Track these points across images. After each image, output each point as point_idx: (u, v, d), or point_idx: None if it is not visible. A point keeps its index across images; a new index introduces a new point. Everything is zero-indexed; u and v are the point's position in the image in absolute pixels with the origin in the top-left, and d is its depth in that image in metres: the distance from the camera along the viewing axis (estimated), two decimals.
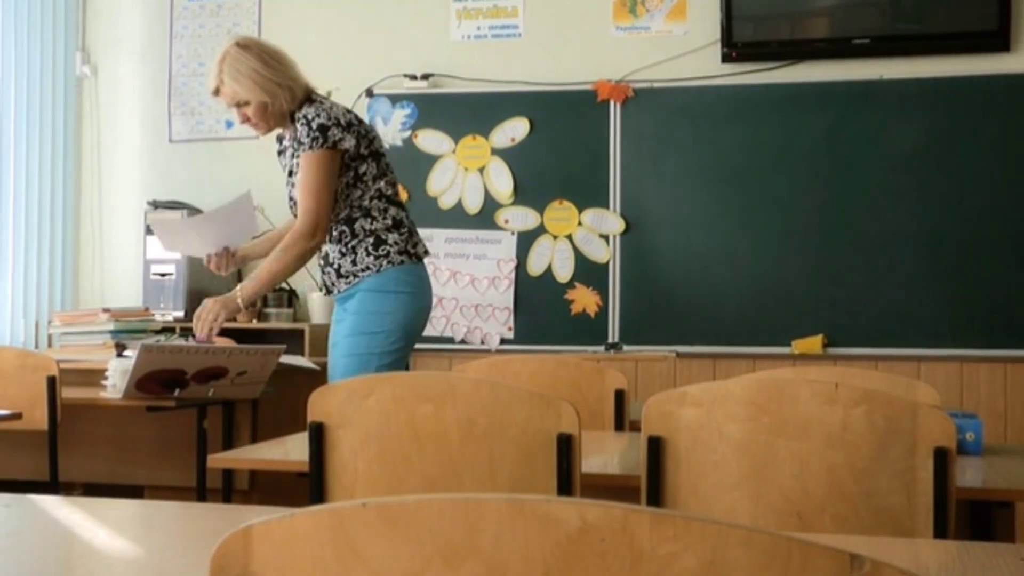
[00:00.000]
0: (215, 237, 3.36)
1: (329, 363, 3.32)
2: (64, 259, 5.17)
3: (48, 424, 3.19)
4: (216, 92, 3.18)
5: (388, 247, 3.20)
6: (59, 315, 4.27)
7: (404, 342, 3.21)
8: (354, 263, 3.20)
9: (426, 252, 3.33)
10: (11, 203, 4.86)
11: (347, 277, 3.22)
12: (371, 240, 3.19)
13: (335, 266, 3.24)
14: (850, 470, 1.66)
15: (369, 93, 4.89)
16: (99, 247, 5.30)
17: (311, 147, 3.10)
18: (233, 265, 3.42)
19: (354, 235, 3.20)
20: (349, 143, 3.13)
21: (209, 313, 3.15)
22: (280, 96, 3.13)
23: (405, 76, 4.90)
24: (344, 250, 3.21)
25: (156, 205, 4.91)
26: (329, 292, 3.33)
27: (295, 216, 3.23)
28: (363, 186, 3.19)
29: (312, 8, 5.11)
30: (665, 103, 4.66)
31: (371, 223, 3.20)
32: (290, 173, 3.27)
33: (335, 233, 3.22)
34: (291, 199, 3.28)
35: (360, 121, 3.21)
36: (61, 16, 5.13)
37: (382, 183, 3.23)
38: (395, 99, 4.88)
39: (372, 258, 3.19)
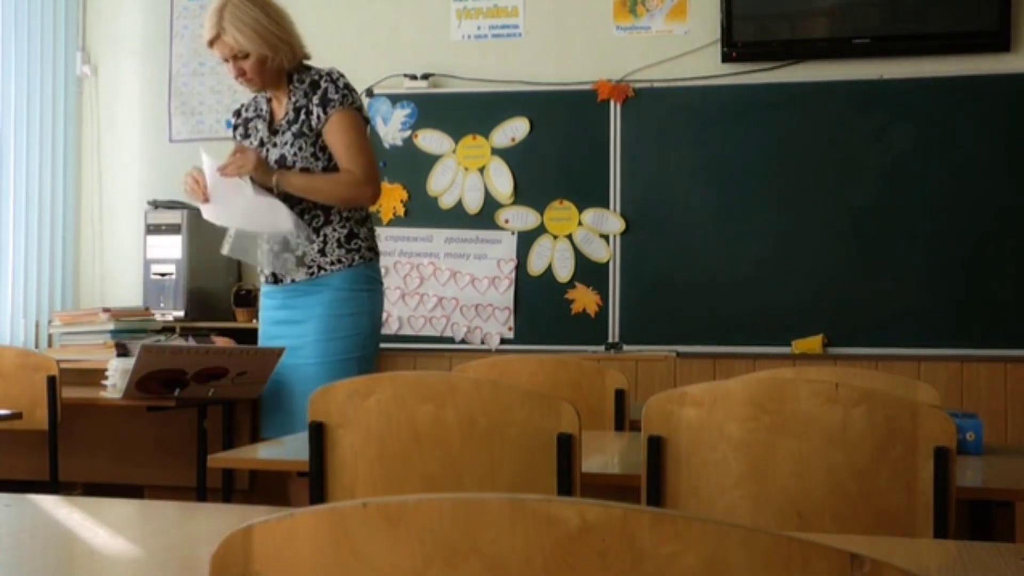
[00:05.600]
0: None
1: (282, 366, 3.06)
2: (64, 259, 5.17)
3: (48, 424, 3.19)
4: (211, 43, 2.98)
5: (359, 241, 3.06)
6: (59, 315, 4.27)
7: (375, 342, 3.10)
8: (323, 253, 3.02)
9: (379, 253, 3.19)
10: (11, 203, 4.86)
11: (309, 267, 3.02)
12: (344, 231, 3.04)
13: (297, 252, 3.03)
14: (850, 470, 1.66)
15: (369, 93, 4.89)
16: (99, 247, 5.30)
17: (342, 103, 2.99)
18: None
19: (328, 220, 3.03)
20: (366, 113, 3.09)
21: (245, 159, 2.95)
22: (281, 51, 2.99)
23: (405, 76, 4.90)
24: (312, 236, 3.03)
25: (156, 205, 4.91)
26: (277, 281, 3.07)
27: None
28: None
29: (312, 8, 5.10)
30: (665, 103, 4.66)
31: (347, 211, 3.05)
32: (274, 132, 3.08)
33: (307, 216, 3.03)
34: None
35: None
36: (61, 16, 5.13)
37: None
38: (395, 99, 4.88)
39: (344, 251, 3.03)
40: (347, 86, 3.03)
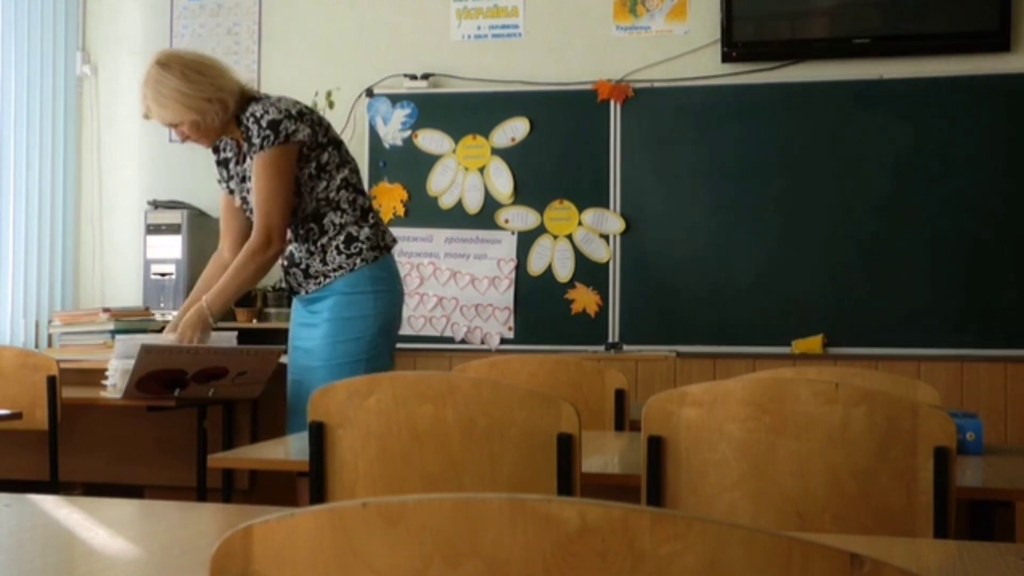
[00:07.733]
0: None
1: (296, 367, 3.14)
2: (64, 259, 5.17)
3: (48, 424, 3.18)
4: (147, 116, 3.05)
5: (360, 244, 3.05)
6: (59, 315, 4.26)
7: (386, 342, 3.11)
8: (324, 263, 3.05)
9: (394, 241, 3.18)
10: (11, 203, 4.86)
11: (316, 277, 3.07)
12: (341, 238, 3.05)
13: (302, 266, 3.09)
14: (850, 470, 1.66)
15: (369, 93, 4.89)
16: (99, 247, 5.30)
17: (262, 147, 2.95)
18: (200, 331, 3.09)
19: (323, 232, 3.05)
20: (304, 133, 2.98)
21: (184, 340, 3.03)
22: (209, 111, 2.98)
23: (405, 76, 4.90)
24: (312, 249, 3.06)
25: (156, 205, 4.91)
26: (294, 293, 3.17)
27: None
28: (327, 176, 3.04)
29: (312, 8, 5.10)
30: (665, 103, 4.66)
31: (340, 216, 3.06)
32: (243, 179, 3.12)
33: (302, 231, 3.07)
34: (247, 204, 3.13)
35: (311, 110, 3.07)
36: (61, 16, 5.13)
37: (346, 171, 3.09)
38: (395, 99, 4.88)
39: (344, 257, 3.04)
40: (271, 123, 2.95)
